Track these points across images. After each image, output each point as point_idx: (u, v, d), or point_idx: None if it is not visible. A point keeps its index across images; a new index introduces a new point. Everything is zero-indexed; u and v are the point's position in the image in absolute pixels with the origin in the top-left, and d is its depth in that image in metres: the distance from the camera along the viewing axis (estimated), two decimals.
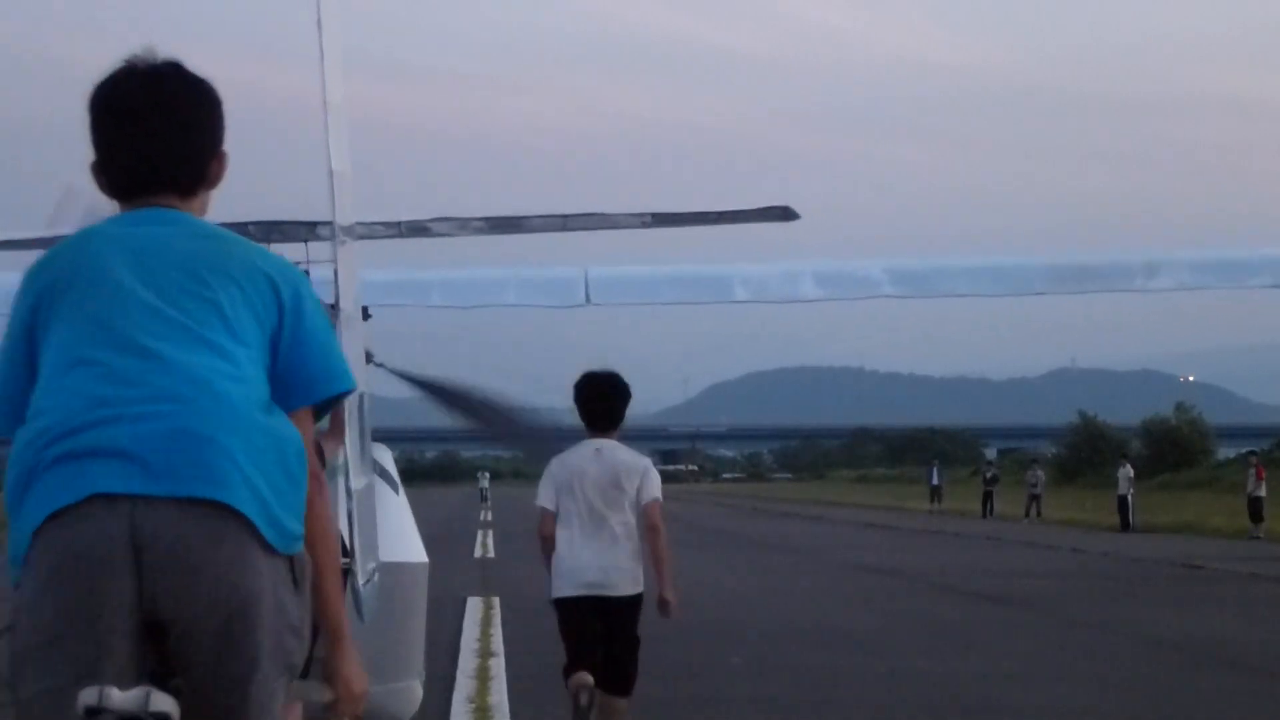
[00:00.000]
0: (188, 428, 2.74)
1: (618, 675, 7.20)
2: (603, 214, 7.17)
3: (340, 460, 5.65)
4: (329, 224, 5.67)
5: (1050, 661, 12.14)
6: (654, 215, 7.13)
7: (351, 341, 5.45)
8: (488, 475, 77.00)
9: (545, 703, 9.97)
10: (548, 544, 7.32)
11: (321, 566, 2.98)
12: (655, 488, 7.47)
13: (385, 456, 7.14)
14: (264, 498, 2.77)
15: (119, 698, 2.59)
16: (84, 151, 3.11)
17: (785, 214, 7.51)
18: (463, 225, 6.95)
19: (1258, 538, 32.16)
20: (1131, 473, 38.46)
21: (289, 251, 5.93)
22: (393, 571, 6.21)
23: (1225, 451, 74.62)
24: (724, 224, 7.53)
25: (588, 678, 7.01)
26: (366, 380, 5.87)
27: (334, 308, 5.48)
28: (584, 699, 6.97)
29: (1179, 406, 73.38)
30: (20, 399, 2.87)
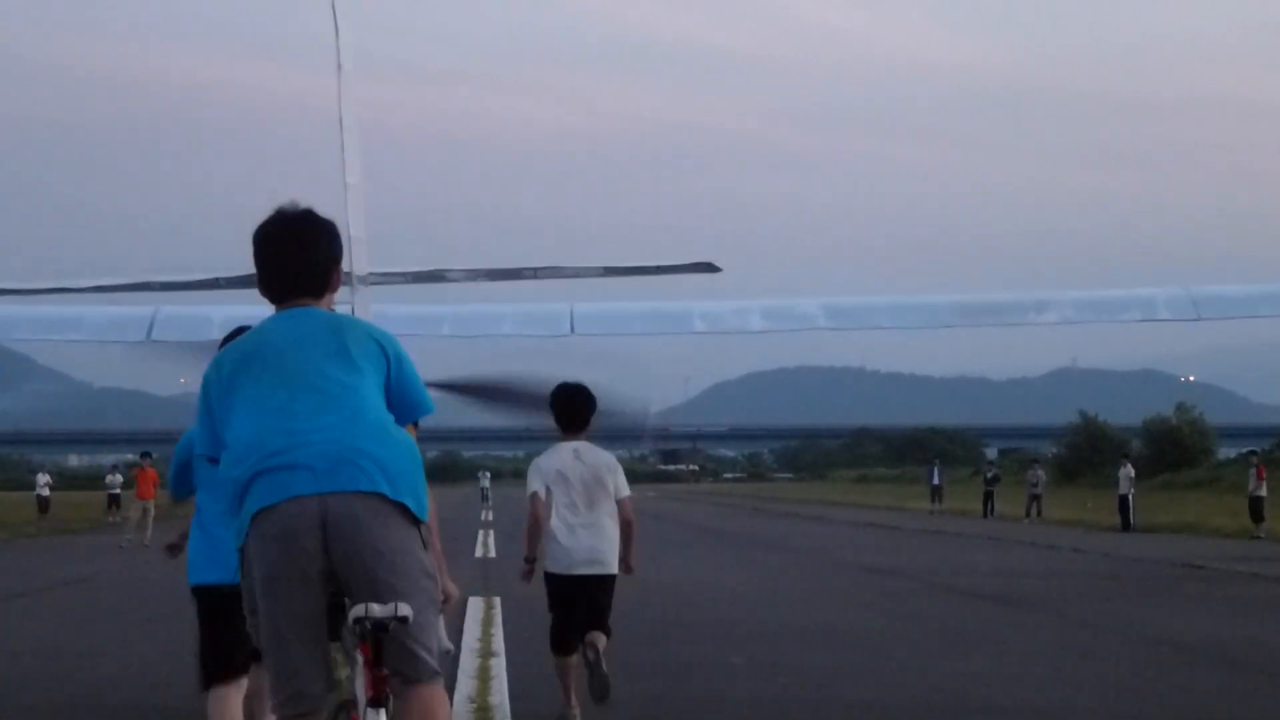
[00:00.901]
0: (347, 443, 4.28)
1: (599, 623, 8.75)
2: (570, 267, 9.21)
3: None
4: (349, 274, 7.11)
5: (1051, 661, 12.14)
6: (605, 268, 9.25)
7: None
8: (488, 475, 77.03)
9: (546, 702, 9.98)
10: (537, 526, 8.69)
11: (432, 524, 4.53)
12: (625, 484, 8.94)
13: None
14: (405, 484, 4.31)
15: (378, 609, 4.13)
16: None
17: (709, 267, 9.63)
18: (451, 274, 8.99)
19: (1259, 538, 32.15)
20: (1132, 473, 38.45)
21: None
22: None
23: (1226, 451, 74.63)
24: (660, 275, 9.64)
25: (573, 661, 8.75)
26: None
27: None
28: (568, 669, 8.78)
29: (1180, 406, 73.36)
30: (218, 435, 4.45)
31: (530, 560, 8.81)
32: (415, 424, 4.64)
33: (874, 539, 34.24)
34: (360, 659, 4.31)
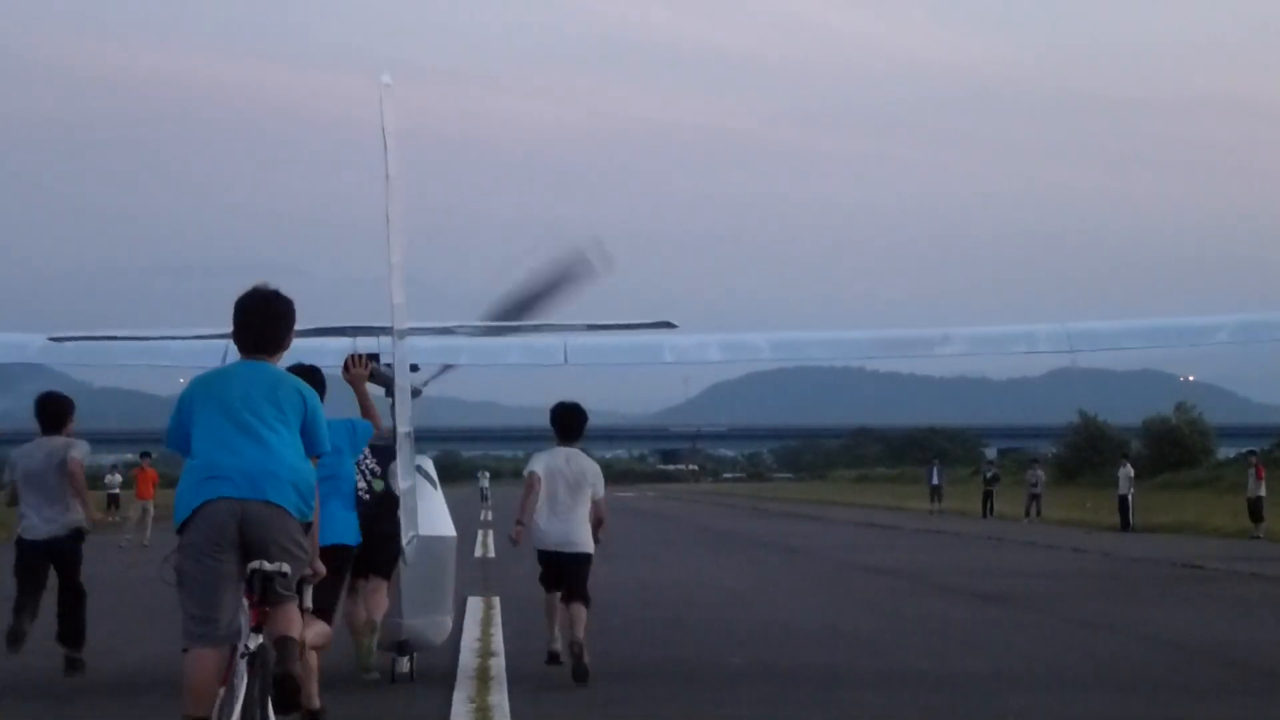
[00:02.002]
0: (267, 465, 6.52)
1: (578, 594, 10.85)
2: (561, 324, 11.59)
3: (393, 468, 9.85)
4: (390, 329, 9.82)
5: (1050, 662, 12.15)
6: (588, 325, 11.75)
7: (402, 407, 9.80)
8: (488, 475, 77.03)
9: (546, 702, 9.98)
10: (530, 498, 10.88)
11: (314, 528, 6.85)
12: (602, 487, 11.21)
13: (428, 465, 10.93)
14: (292, 496, 6.56)
15: (268, 565, 6.37)
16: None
17: (668, 325, 11.64)
18: (461, 329, 11.41)
19: (1258, 538, 32.14)
20: (1132, 472, 38.43)
21: (368, 344, 10.57)
22: (431, 541, 10.25)
23: (1225, 451, 74.60)
24: (625, 331, 12.10)
25: (556, 597, 11.04)
26: (412, 423, 9.86)
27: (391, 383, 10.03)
28: (558, 627, 11.01)
29: (1179, 406, 73.34)
30: (187, 440, 6.67)
31: (519, 524, 11.01)
32: (316, 456, 6.83)
33: (874, 539, 34.24)
34: (247, 602, 6.46)
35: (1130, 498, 37.37)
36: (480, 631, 13.87)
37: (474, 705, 9.75)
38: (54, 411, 11.45)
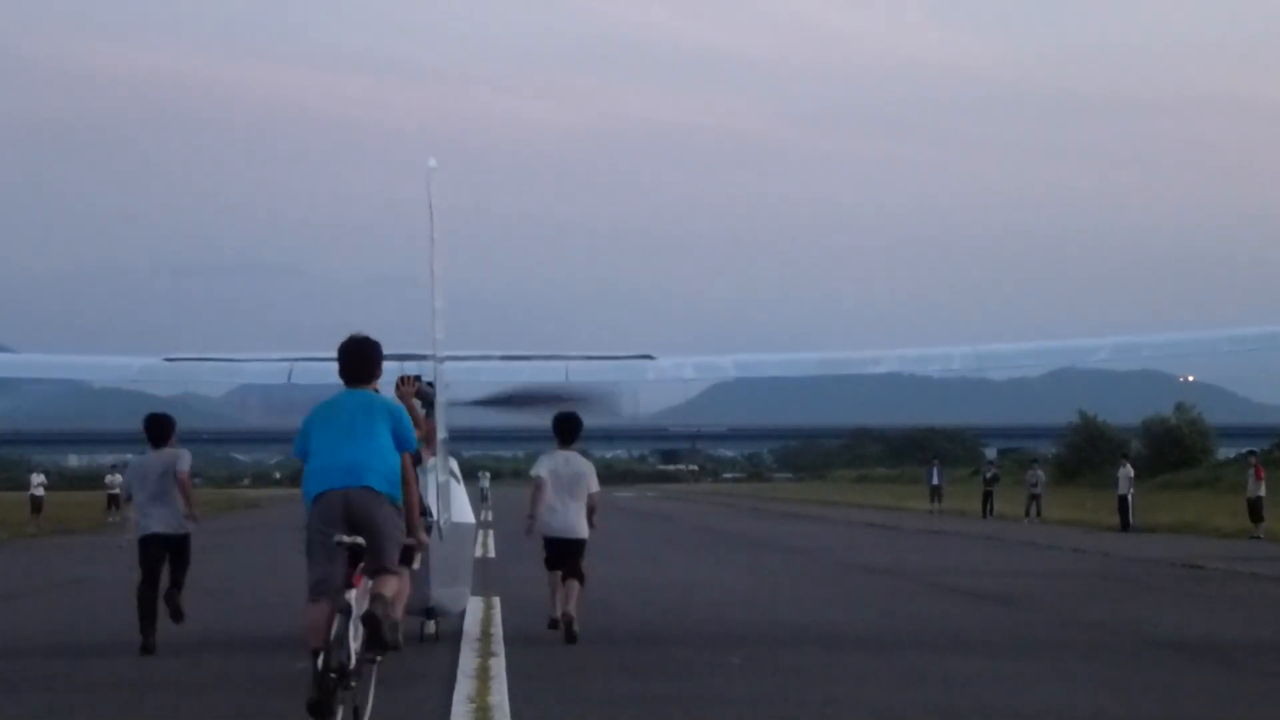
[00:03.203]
0: (365, 462, 8.78)
1: (574, 572, 13.32)
2: (561, 355, 15.24)
3: (430, 465, 12.30)
4: (432, 356, 12.74)
5: (1050, 661, 12.15)
6: (586, 356, 15.31)
7: (440, 418, 12.61)
8: (488, 475, 77.02)
9: (547, 702, 9.99)
10: (538, 498, 13.42)
11: (409, 507, 9.10)
12: (596, 483, 13.77)
13: (454, 465, 13.23)
14: (385, 482, 8.80)
15: (346, 539, 8.51)
16: None
17: (647, 356, 15.23)
18: (469, 357, 14.39)
19: (1258, 538, 32.14)
20: (1132, 473, 38.43)
21: (414, 366, 13.04)
22: (458, 525, 12.83)
23: (1225, 451, 74.62)
24: (606, 361, 15.37)
25: (557, 576, 13.31)
26: (447, 431, 12.71)
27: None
28: (554, 582, 13.34)
29: (1179, 406, 73.36)
30: (306, 450, 8.97)
31: (531, 518, 13.49)
32: (409, 451, 9.15)
33: (873, 539, 34.25)
34: (347, 562, 8.63)
35: (1130, 498, 37.37)
36: (480, 631, 13.88)
37: (474, 705, 9.76)
38: (159, 429, 13.36)
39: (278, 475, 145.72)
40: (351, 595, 8.48)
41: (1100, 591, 19.30)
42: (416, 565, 10.90)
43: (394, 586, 8.83)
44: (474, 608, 15.82)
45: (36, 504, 43.32)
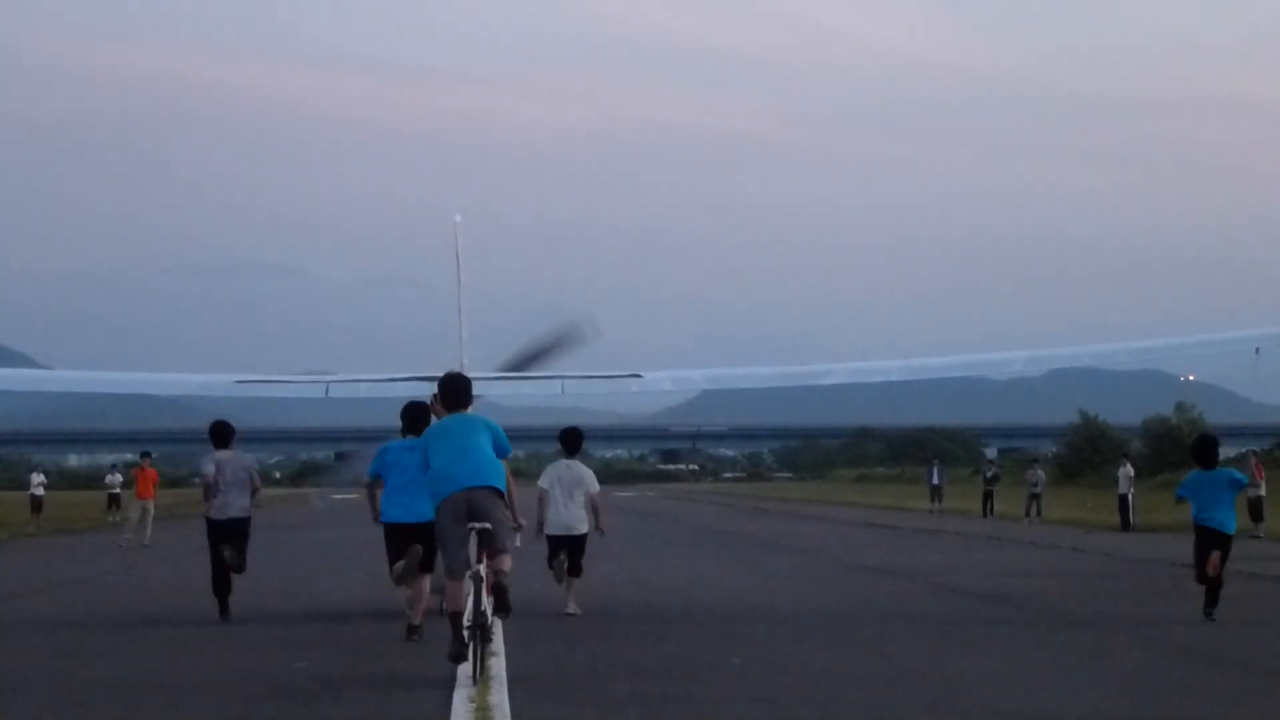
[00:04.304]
0: (479, 467, 11.21)
1: (574, 567, 15.73)
2: (556, 376, 18.90)
3: None
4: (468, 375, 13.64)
5: (1051, 661, 12.15)
6: (583, 376, 19.10)
7: None
8: None
9: (547, 702, 9.99)
10: (545, 505, 15.77)
11: (510, 499, 11.72)
12: (596, 485, 16.03)
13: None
14: (498, 480, 11.24)
15: (477, 525, 11.06)
16: None
17: (636, 376, 18.37)
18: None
19: (1258, 537, 32.15)
20: (1132, 472, 38.42)
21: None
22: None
23: (1225, 451, 74.54)
24: (601, 379, 18.89)
25: (562, 565, 15.67)
26: None
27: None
28: (558, 572, 15.77)
29: (1179, 406, 73.45)
30: (427, 463, 11.43)
31: (540, 524, 15.70)
32: (505, 457, 11.55)
33: (874, 539, 34.24)
34: (477, 545, 11.08)
35: (1130, 497, 37.38)
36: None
37: (474, 705, 9.76)
38: (222, 433, 16.16)
39: (278, 475, 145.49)
40: (481, 569, 11.05)
41: (1100, 591, 19.32)
42: (519, 544, 12.33)
43: (509, 562, 11.16)
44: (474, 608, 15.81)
45: (36, 504, 43.19)
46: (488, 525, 10.96)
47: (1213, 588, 15.26)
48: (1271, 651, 12.91)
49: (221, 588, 15.68)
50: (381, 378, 19.68)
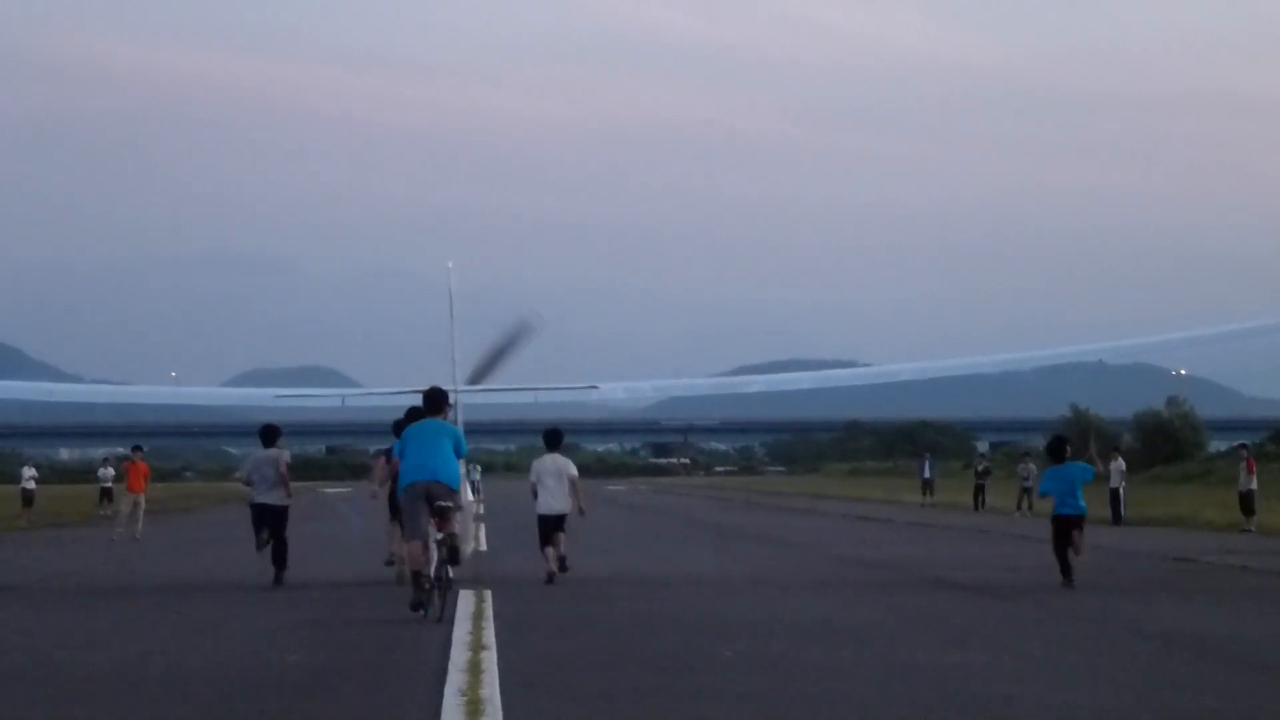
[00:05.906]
0: (436, 465, 15.32)
1: (558, 532, 19.27)
2: (531, 386, 23.76)
3: (465, 471, 17.12)
4: (455, 390, 20.26)
5: (1042, 655, 12.16)
6: (549, 387, 24.25)
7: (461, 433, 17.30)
8: (479, 468, 76.92)
9: (538, 696, 9.98)
10: (535, 493, 19.54)
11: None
12: (574, 471, 19.53)
13: (475, 471, 39.37)
14: (451, 476, 15.36)
15: (442, 503, 15.12)
16: None
17: (593, 387, 23.31)
18: (463, 392, 21.11)
19: (1249, 531, 32.20)
20: (1123, 466, 38.44)
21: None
22: (468, 504, 19.07)
23: (1217, 445, 74.79)
24: (558, 389, 24.62)
25: (551, 551, 19.23)
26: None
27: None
28: (550, 558, 19.17)
29: (1171, 400, 73.54)
30: (403, 454, 15.67)
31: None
32: (462, 456, 15.76)
33: (865, 532, 34.25)
34: (434, 521, 14.97)
35: (1122, 491, 37.40)
36: (472, 625, 13.87)
37: (465, 699, 9.74)
38: (269, 434, 19.58)
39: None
40: (431, 532, 14.79)
41: (1091, 584, 19.33)
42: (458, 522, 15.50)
43: (455, 526, 14.96)
44: (466, 601, 15.83)
45: (28, 497, 43.07)
46: (448, 504, 14.91)
47: (1068, 562, 19.47)
48: (1261, 645, 12.91)
49: (277, 561, 19.12)
50: (387, 390, 23.57)
